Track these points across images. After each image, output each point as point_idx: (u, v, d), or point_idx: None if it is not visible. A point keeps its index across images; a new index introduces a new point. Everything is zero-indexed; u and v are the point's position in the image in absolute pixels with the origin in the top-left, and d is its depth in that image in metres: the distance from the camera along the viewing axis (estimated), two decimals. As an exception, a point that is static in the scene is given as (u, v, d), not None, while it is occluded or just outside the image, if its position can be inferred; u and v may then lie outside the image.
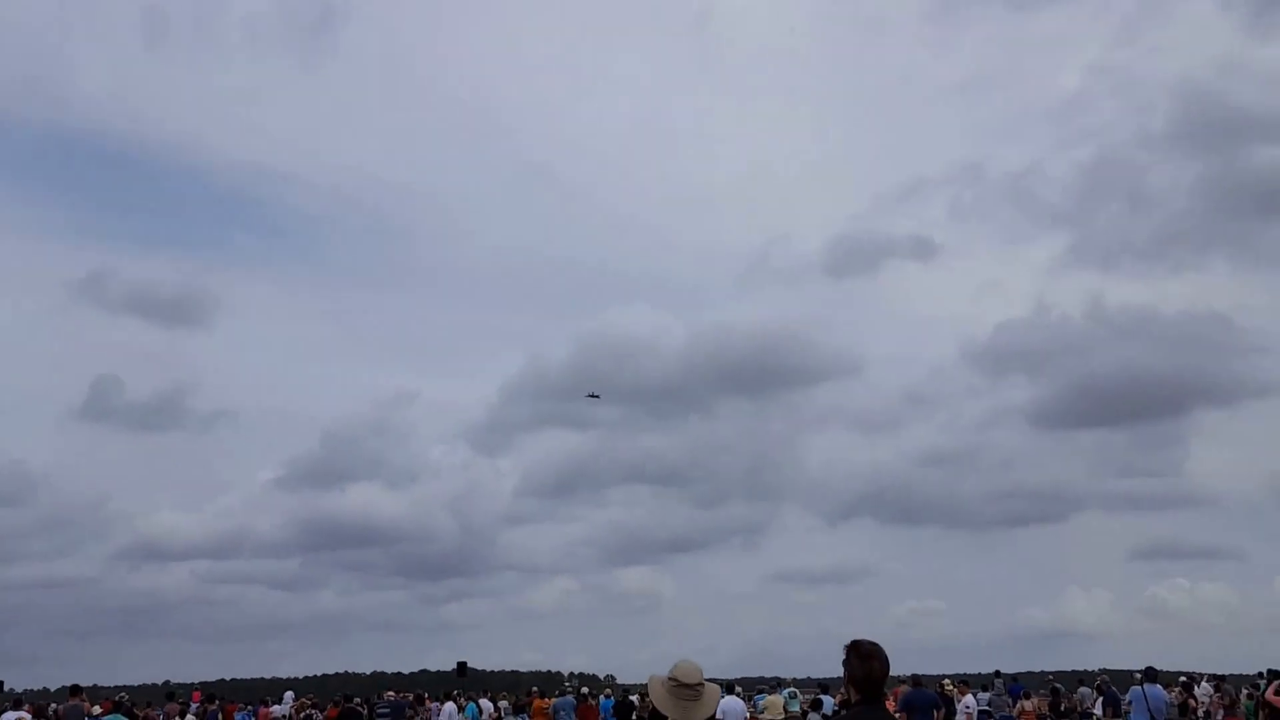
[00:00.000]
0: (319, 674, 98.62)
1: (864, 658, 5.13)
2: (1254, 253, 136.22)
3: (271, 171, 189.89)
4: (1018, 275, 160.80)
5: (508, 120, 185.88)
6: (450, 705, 27.63)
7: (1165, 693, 17.86)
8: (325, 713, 28.85)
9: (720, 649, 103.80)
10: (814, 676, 35.02)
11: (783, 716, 26.32)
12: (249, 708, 33.62)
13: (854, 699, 5.22)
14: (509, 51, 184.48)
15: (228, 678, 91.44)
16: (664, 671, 5.56)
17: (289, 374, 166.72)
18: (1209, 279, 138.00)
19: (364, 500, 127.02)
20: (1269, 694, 18.43)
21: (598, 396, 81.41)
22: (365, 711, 27.98)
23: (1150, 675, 17.74)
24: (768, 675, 40.61)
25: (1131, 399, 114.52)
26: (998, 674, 31.43)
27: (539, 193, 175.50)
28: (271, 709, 31.27)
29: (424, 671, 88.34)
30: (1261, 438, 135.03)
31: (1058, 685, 29.49)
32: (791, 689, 29.73)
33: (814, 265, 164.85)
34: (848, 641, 5.26)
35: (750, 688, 34.15)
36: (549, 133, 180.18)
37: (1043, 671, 41.48)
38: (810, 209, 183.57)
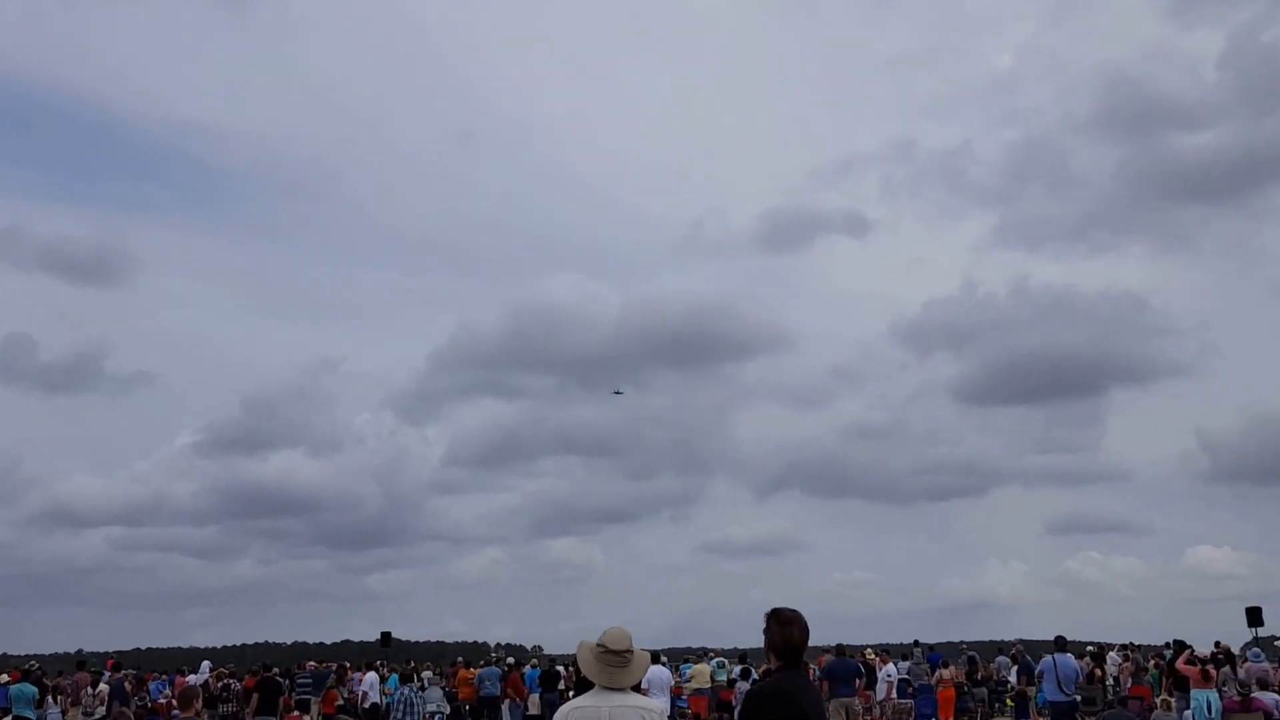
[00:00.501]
0: (238, 644, 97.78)
1: (784, 624, 5.22)
2: (1169, 237, 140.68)
3: (195, 125, 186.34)
4: (947, 253, 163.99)
5: (444, 80, 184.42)
6: (372, 675, 27.44)
7: (1075, 662, 18.28)
8: (243, 682, 28.43)
9: (649, 619, 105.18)
10: (740, 647, 35.39)
11: (709, 685, 26.57)
12: (164, 677, 33.06)
13: (774, 665, 5.29)
14: (446, 9, 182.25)
15: (143, 647, 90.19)
16: (594, 639, 5.55)
17: (209, 336, 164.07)
18: (1127, 262, 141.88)
19: (286, 468, 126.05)
20: (1179, 663, 18.97)
21: (621, 392, 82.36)
22: (286, 682, 27.67)
23: (1060, 645, 18.21)
24: (695, 646, 41.02)
25: (1051, 377, 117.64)
26: (916, 643, 32.11)
27: (472, 156, 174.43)
28: (187, 678, 30.76)
29: (347, 642, 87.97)
30: (1172, 416, 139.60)
31: (973, 654, 30.20)
32: (719, 659, 30.05)
33: (748, 238, 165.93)
34: (768, 609, 5.34)
35: (678, 658, 34.47)
36: (487, 95, 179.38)
37: (961, 641, 42.37)
38: (747, 181, 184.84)
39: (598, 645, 5.41)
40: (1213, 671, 17.90)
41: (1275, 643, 25.44)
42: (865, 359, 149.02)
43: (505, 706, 26.77)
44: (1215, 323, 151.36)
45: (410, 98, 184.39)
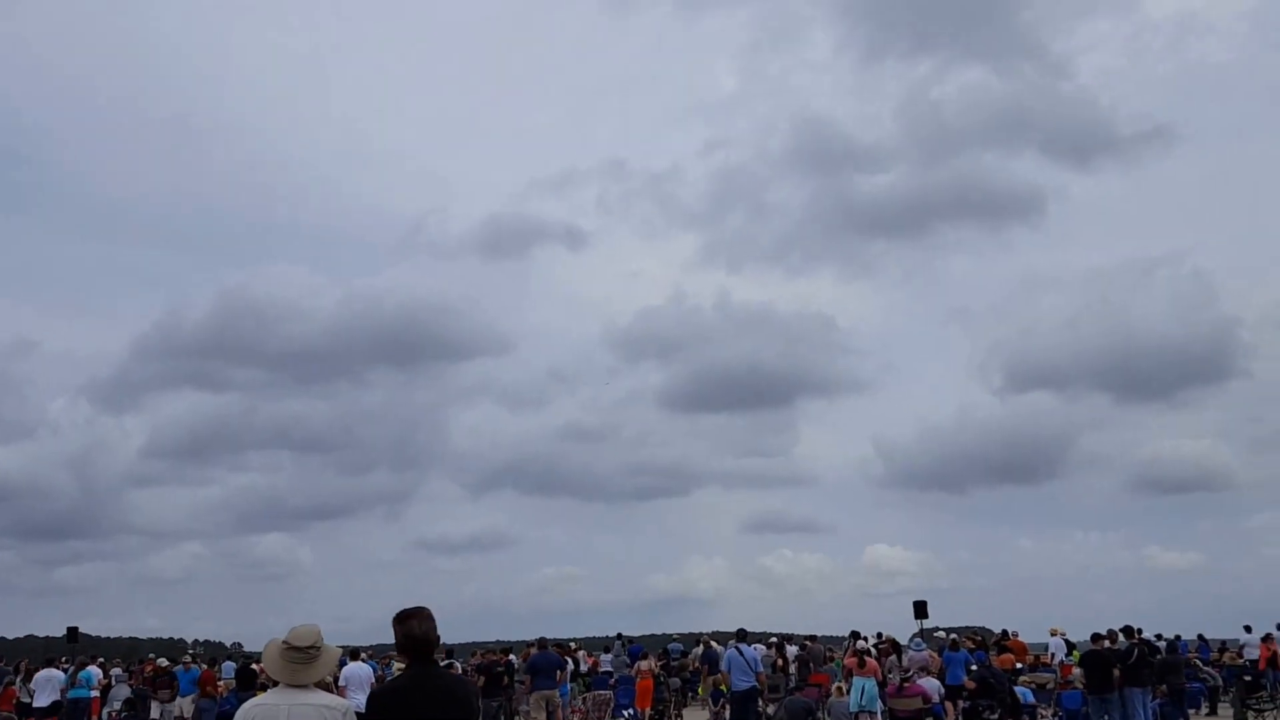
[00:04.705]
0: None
1: (401, 621, 5.21)
2: (855, 266, 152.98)
3: None
4: (657, 268, 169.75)
5: (167, 50, 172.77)
6: (50, 671, 25.68)
7: (754, 651, 19.59)
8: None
9: (359, 616, 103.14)
10: (448, 643, 35.42)
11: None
12: None
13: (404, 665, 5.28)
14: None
15: None
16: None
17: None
18: (817, 285, 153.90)
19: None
20: (845, 657, 20.71)
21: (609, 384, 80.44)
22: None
23: (741, 636, 19.58)
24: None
25: (749, 387, 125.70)
26: (619, 636, 33.26)
27: (193, 132, 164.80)
28: None
29: (31, 637, 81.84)
30: (854, 427, 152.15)
31: (671, 646, 31.73)
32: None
33: (469, 241, 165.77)
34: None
35: (385, 654, 34.16)
36: (211, 71, 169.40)
37: (665, 634, 44.23)
38: (470, 183, 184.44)
39: (283, 643, 5.48)
40: (869, 661, 19.73)
41: (936, 634, 28.05)
42: (579, 363, 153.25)
43: (163, 708, 25.55)
44: (893, 344, 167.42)
45: (130, 69, 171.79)
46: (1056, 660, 27.71)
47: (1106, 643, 20.13)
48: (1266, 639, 28.55)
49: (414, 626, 5.19)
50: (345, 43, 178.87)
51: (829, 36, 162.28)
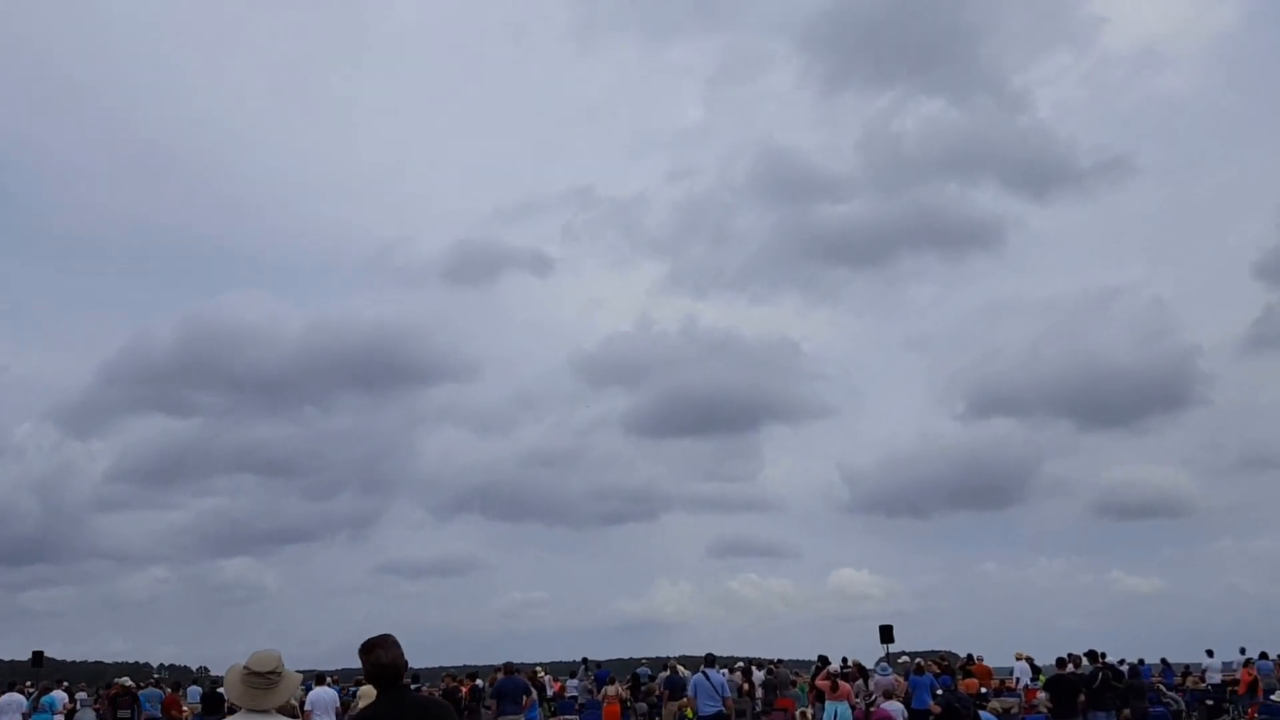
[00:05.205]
0: None
1: (366, 651, 5.14)
2: (818, 293, 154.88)
3: None
4: (623, 295, 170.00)
5: (130, 79, 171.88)
6: (12, 696, 25.34)
7: (722, 676, 19.57)
8: None
9: (323, 640, 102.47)
10: (414, 667, 35.21)
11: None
12: None
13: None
14: (137, 9, 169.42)
15: None
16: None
17: None
18: (782, 312, 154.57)
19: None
20: (818, 680, 20.70)
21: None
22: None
23: (709, 661, 19.53)
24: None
25: (715, 412, 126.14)
26: (585, 661, 33.12)
27: (160, 162, 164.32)
28: None
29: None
30: (819, 452, 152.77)
31: (638, 670, 31.61)
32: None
33: (435, 267, 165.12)
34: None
35: (350, 678, 33.90)
36: (176, 98, 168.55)
37: (631, 658, 44.05)
38: (436, 210, 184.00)
39: (244, 668, 5.39)
40: (841, 684, 19.72)
41: (902, 659, 28.12)
42: (545, 389, 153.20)
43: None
44: (857, 370, 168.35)
45: (95, 97, 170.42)
46: (1021, 685, 27.84)
47: (1071, 667, 20.24)
48: (1247, 664, 28.60)
49: (381, 655, 5.14)
50: (312, 70, 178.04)
51: (792, 69, 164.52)
